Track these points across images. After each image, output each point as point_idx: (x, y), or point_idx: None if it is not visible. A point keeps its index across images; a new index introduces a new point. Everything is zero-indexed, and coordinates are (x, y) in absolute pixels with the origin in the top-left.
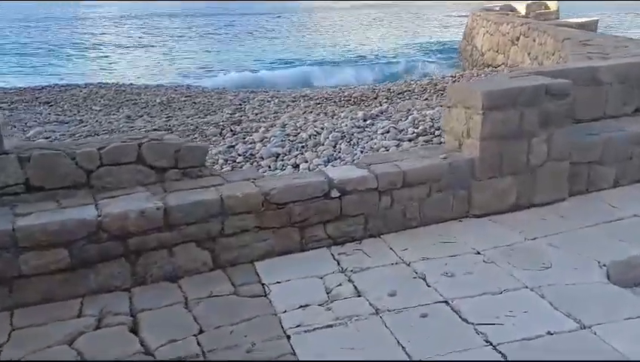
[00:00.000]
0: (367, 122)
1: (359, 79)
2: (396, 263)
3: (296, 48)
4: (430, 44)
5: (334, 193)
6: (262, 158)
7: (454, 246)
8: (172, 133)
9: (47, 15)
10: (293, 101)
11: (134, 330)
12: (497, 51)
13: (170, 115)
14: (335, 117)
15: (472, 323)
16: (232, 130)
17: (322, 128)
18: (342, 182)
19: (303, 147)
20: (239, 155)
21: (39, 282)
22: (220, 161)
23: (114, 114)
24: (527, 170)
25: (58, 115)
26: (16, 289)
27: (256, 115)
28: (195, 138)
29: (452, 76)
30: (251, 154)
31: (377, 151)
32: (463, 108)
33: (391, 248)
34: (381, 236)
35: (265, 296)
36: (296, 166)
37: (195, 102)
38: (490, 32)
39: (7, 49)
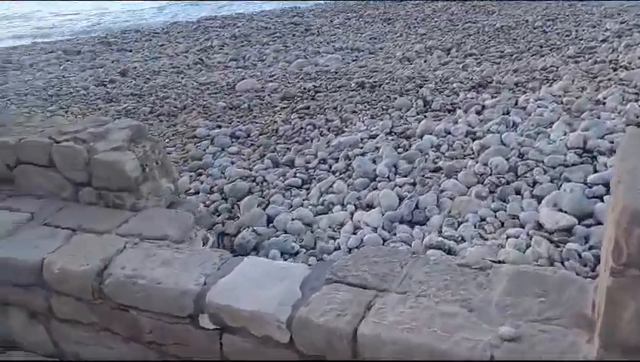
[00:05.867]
0: None
1: None
2: None
3: None
4: None
5: (204, 321)
6: (355, 177)
7: None
8: (373, 90)
9: None
10: None
11: None
12: None
13: (474, 52)
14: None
15: None
16: (424, 102)
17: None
18: (220, 308)
19: (433, 171)
20: (347, 159)
21: None
22: (315, 162)
23: (427, 41)
24: None
25: (372, 37)
26: None
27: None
28: (377, 105)
29: None
30: (352, 166)
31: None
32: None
33: None
34: None
35: None
36: (356, 206)
37: (558, 33)
38: None
39: None
